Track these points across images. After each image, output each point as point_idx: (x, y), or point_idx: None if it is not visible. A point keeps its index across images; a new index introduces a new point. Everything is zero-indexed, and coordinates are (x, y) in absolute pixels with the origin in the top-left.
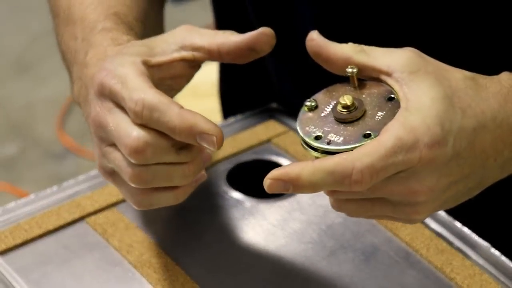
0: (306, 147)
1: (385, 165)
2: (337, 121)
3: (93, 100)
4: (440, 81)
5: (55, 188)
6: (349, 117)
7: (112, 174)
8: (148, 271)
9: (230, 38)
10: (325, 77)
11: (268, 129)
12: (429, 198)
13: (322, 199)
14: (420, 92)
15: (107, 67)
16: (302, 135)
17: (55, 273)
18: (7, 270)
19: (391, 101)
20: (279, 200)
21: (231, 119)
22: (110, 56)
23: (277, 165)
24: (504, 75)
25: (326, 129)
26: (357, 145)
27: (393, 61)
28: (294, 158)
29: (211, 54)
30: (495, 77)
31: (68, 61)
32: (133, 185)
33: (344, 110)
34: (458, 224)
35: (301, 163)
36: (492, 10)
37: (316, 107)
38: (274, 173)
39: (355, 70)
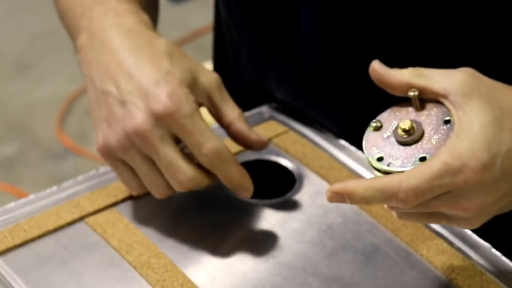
0: (370, 167)
1: (430, 187)
2: (398, 142)
3: (142, 112)
4: (491, 103)
5: (54, 188)
6: (408, 140)
7: (117, 161)
8: (147, 272)
9: (239, 124)
10: (327, 78)
11: (268, 129)
12: (480, 213)
13: (322, 199)
14: (471, 116)
15: (172, 96)
16: (367, 156)
17: (55, 274)
18: (6, 271)
19: (447, 124)
20: (279, 200)
21: None
22: (165, 78)
23: (277, 165)
24: None
25: (387, 150)
26: (412, 167)
27: (449, 83)
28: (294, 158)
29: (219, 121)
30: None
31: (69, 18)
32: (157, 197)
33: (404, 134)
34: None
35: (358, 180)
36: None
37: (380, 127)
38: (334, 186)
39: (416, 93)
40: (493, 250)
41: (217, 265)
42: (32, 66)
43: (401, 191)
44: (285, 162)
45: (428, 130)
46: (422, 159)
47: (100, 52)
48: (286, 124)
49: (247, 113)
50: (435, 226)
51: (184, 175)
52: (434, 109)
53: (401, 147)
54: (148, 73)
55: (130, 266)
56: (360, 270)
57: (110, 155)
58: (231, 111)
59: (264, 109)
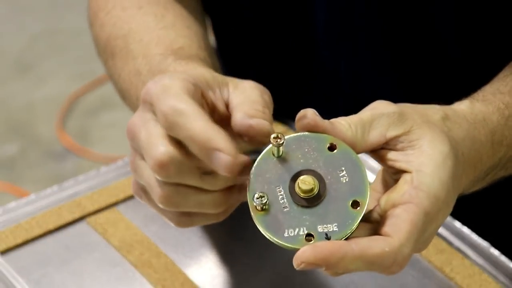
0: (293, 248)
1: (416, 246)
2: (302, 207)
3: (137, 110)
4: (443, 136)
5: (55, 188)
6: (317, 199)
7: (144, 192)
8: (148, 271)
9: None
10: (332, 81)
11: None
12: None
13: None
14: (430, 153)
15: (157, 79)
16: (286, 244)
17: (56, 273)
18: (7, 270)
19: (333, 151)
20: None
21: None
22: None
23: None
24: (466, 108)
25: (306, 221)
26: (356, 222)
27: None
28: None
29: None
30: (460, 113)
31: (132, 97)
32: (161, 206)
33: (307, 194)
34: (457, 224)
35: (338, 247)
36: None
37: (267, 203)
38: (309, 256)
39: (281, 141)
40: (492, 249)
41: (217, 265)
42: (32, 66)
43: (396, 263)
44: None
45: (322, 171)
46: (354, 204)
47: None
48: (286, 124)
49: None
50: None
51: (155, 148)
52: (302, 142)
53: (317, 209)
54: None
55: (131, 266)
56: None
57: (136, 187)
58: (243, 119)
59: None
